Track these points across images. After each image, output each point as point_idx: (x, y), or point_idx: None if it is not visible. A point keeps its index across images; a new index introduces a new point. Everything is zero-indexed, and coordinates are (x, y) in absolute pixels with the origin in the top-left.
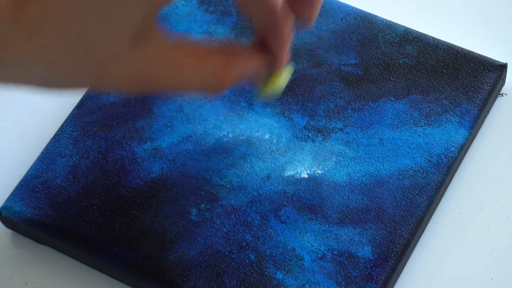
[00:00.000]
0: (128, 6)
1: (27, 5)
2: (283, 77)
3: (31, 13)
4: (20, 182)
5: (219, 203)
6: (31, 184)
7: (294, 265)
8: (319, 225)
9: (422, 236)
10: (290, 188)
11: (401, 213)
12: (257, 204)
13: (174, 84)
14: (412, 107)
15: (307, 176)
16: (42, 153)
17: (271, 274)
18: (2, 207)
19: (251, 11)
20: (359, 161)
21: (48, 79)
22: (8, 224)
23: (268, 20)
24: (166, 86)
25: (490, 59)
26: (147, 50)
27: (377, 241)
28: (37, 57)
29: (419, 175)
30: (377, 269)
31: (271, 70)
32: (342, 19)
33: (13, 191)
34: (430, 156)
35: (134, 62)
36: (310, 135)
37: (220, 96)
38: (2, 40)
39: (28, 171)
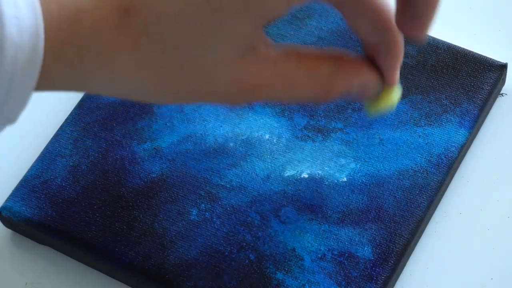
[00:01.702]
0: (237, 20)
1: (133, 16)
2: (394, 95)
3: (137, 23)
4: (20, 182)
5: (219, 203)
6: (31, 184)
7: (294, 265)
8: (319, 225)
9: (422, 236)
10: (290, 188)
11: (401, 213)
12: (257, 204)
13: (280, 93)
14: (412, 107)
15: (307, 176)
16: (42, 153)
17: (271, 274)
18: (2, 207)
19: (361, 29)
20: (359, 161)
21: (145, 93)
22: (8, 224)
23: (379, 39)
24: (273, 96)
25: (490, 59)
26: (255, 62)
27: (377, 241)
28: (136, 71)
29: (419, 175)
30: (377, 269)
31: (381, 88)
32: (342, 19)
33: (13, 191)
34: (430, 156)
35: (241, 73)
36: (310, 135)
37: None
38: (99, 52)
39: (28, 171)
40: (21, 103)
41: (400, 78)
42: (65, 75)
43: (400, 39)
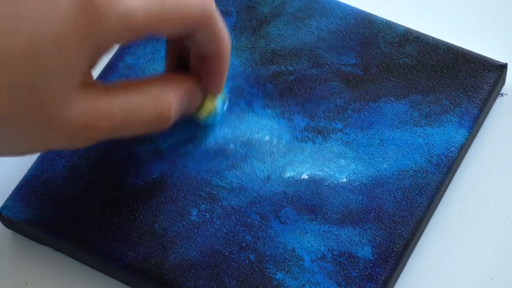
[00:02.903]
0: (75, 52)
1: None
2: (216, 102)
3: None
4: (20, 182)
5: (219, 203)
6: (31, 184)
7: (294, 265)
8: (319, 225)
9: (422, 236)
10: (290, 189)
11: (401, 213)
12: (257, 205)
13: (122, 122)
14: (412, 107)
15: (307, 177)
16: (42, 153)
17: (271, 275)
18: (2, 207)
19: (198, 42)
20: (359, 162)
21: None
22: (8, 224)
23: (211, 50)
24: (116, 125)
25: (490, 59)
26: (90, 95)
27: (377, 241)
28: None
29: (419, 175)
30: (377, 269)
31: (204, 96)
32: (342, 19)
33: (13, 191)
34: (430, 156)
35: (80, 107)
36: (310, 136)
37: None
38: None
39: (28, 171)
40: None
41: (400, 78)
42: None
43: (228, 53)
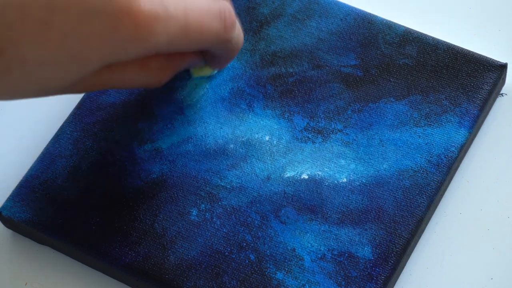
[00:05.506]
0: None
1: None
2: (213, 71)
3: (3, 61)
4: (20, 182)
5: (219, 203)
6: (31, 184)
7: (294, 265)
8: (319, 225)
9: (422, 236)
10: (290, 188)
11: (401, 213)
12: (257, 205)
13: (119, 85)
14: (412, 108)
15: (307, 177)
16: (42, 153)
17: (271, 274)
18: (2, 207)
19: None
20: (359, 162)
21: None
22: (8, 224)
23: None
24: (111, 87)
25: (490, 59)
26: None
27: (377, 241)
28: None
29: (419, 175)
30: (377, 269)
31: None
32: (342, 19)
33: (13, 191)
34: (430, 156)
35: (87, 87)
36: (310, 136)
37: (220, 98)
38: None
39: (28, 172)
40: None
41: (400, 79)
42: None
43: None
